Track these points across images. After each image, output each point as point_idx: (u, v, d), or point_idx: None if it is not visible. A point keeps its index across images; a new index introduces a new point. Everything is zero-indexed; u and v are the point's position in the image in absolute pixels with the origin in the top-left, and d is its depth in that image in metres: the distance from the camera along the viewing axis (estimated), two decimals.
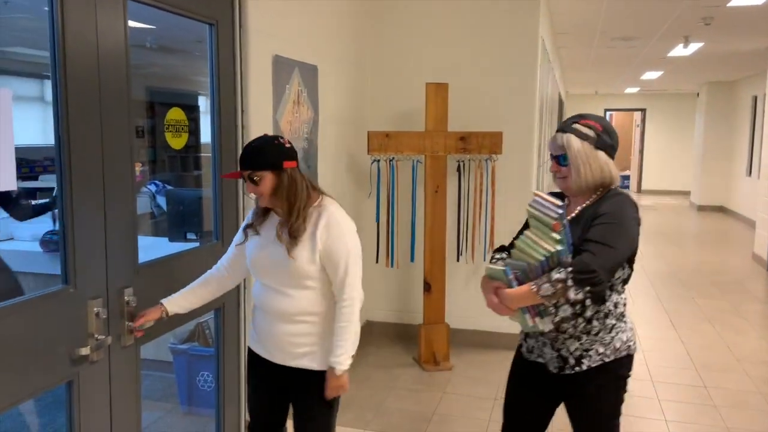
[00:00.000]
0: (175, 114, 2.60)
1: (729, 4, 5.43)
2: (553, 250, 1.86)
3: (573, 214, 2.03)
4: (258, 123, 3.12)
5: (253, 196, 2.18)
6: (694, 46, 7.72)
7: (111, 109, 2.14)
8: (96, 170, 2.09)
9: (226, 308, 3.00)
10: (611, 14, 5.99)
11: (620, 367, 2.02)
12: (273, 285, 2.19)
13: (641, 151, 17.42)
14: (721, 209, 13.49)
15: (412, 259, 4.29)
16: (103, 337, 2.12)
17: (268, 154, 2.11)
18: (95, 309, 2.09)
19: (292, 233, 2.09)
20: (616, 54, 8.68)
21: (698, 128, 14.55)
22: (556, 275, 1.82)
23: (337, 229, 2.13)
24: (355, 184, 4.47)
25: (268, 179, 2.10)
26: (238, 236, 2.34)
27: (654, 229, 11.22)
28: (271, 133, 3.25)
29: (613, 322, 1.99)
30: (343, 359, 2.11)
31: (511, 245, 2.14)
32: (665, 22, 6.26)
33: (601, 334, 1.97)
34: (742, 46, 7.76)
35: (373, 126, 4.46)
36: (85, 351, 2.06)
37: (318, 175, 3.83)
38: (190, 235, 4.24)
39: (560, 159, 2.05)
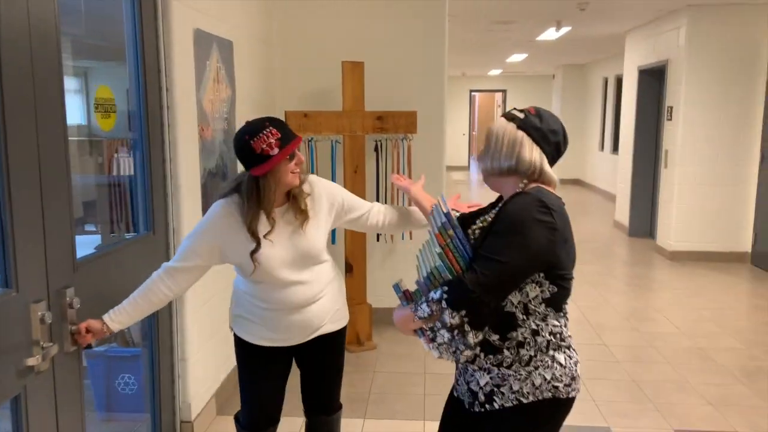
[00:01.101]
0: (104, 92, 2.33)
1: None
2: (432, 265, 1.65)
3: (489, 218, 1.77)
4: (182, 101, 2.90)
5: (299, 170, 2.09)
6: (564, 30, 8.26)
7: (44, 94, 1.88)
8: (31, 159, 1.84)
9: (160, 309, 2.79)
10: None
11: (540, 413, 1.67)
12: (293, 278, 2.11)
13: None
14: (577, 182, 14.68)
15: (333, 241, 4.23)
16: (50, 344, 1.88)
17: None
18: (39, 313, 1.85)
19: (307, 209, 2.11)
20: (492, 36, 9.07)
21: (554, 108, 15.65)
22: (432, 295, 1.61)
23: (332, 185, 2.27)
24: None
25: None
26: (200, 253, 2.08)
27: None
28: (195, 112, 3.04)
29: (531, 353, 1.65)
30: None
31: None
32: (545, 6, 6.62)
33: (514, 367, 1.65)
34: (604, 30, 8.43)
35: (286, 106, 4.32)
36: (32, 361, 1.82)
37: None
38: (89, 227, 3.87)
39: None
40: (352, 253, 4.22)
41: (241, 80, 3.72)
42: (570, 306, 1.80)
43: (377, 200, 4.41)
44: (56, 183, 1.95)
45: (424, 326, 1.65)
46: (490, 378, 1.68)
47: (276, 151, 1.95)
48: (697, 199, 6.86)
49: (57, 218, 1.96)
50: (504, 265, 1.55)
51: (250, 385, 2.29)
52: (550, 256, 1.59)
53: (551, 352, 1.68)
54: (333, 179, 4.32)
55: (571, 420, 1.80)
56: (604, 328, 4.83)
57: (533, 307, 1.64)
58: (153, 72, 2.69)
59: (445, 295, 1.57)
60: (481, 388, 1.70)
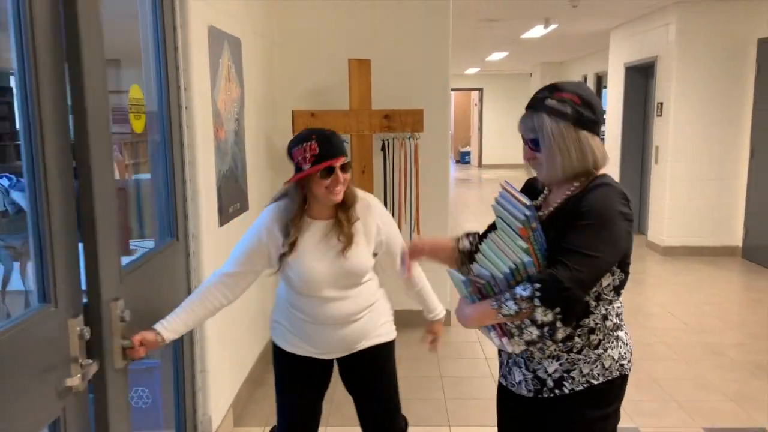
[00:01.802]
0: (135, 92, 2.20)
1: None
2: (518, 260, 1.56)
3: (551, 208, 1.68)
4: (199, 101, 2.77)
5: (337, 189, 1.98)
6: (551, 28, 8.25)
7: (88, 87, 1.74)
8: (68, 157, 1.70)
9: None
10: None
11: (610, 392, 1.68)
12: (334, 294, 2.04)
13: (480, 129, 18.47)
14: None
15: None
16: (90, 362, 1.75)
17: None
18: (78, 329, 1.72)
19: (354, 229, 2.02)
20: (478, 35, 9.04)
21: None
22: (521, 292, 1.53)
23: (389, 219, 2.17)
24: (279, 167, 4.17)
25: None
26: (254, 256, 2.05)
27: None
28: (210, 112, 2.91)
29: (600, 337, 1.65)
30: (441, 308, 2.34)
31: (485, 234, 1.80)
32: (536, 3, 6.59)
33: (584, 352, 1.64)
34: (591, 27, 8.46)
35: (292, 105, 4.20)
36: (71, 382, 1.68)
37: (247, 160, 3.52)
38: None
39: (533, 143, 1.65)
40: None
41: (249, 79, 3.59)
42: None
43: (385, 200, 4.32)
44: (99, 182, 1.81)
45: (510, 323, 1.60)
46: (559, 365, 1.66)
47: (307, 166, 1.93)
48: (689, 194, 6.92)
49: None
50: (598, 260, 1.54)
51: (286, 394, 2.22)
52: (626, 246, 1.62)
53: (615, 333, 1.69)
54: None
55: None
56: None
57: (604, 295, 1.65)
58: (172, 71, 2.56)
59: (537, 293, 1.52)
60: (549, 375, 1.68)
